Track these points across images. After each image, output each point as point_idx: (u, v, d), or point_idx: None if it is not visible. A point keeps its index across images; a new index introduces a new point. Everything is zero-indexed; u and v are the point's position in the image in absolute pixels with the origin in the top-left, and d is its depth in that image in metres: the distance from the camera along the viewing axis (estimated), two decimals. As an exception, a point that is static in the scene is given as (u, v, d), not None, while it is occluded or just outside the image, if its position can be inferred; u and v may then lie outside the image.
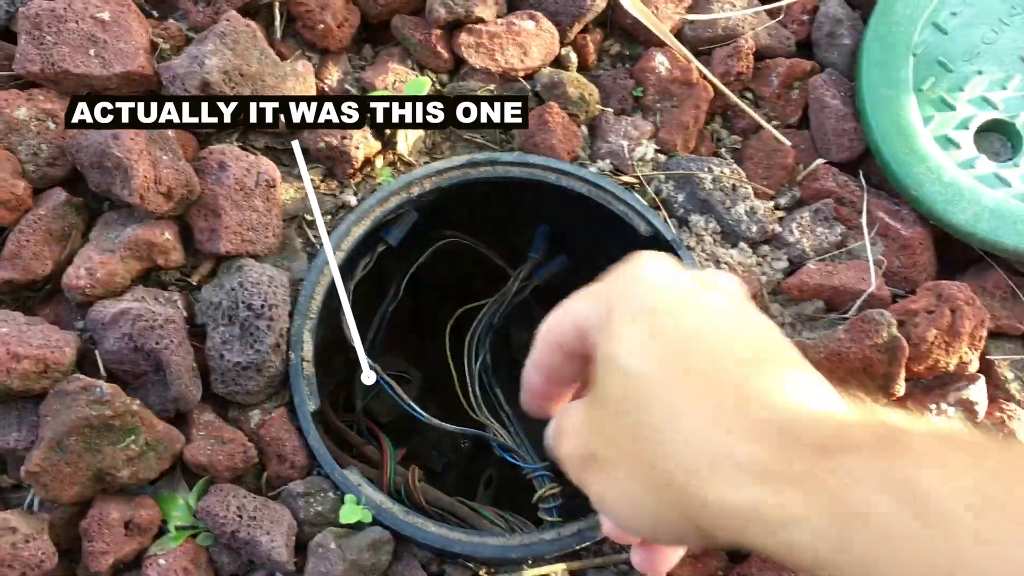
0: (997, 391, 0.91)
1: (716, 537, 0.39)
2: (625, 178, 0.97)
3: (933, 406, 0.86)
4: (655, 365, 0.40)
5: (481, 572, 0.83)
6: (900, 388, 0.86)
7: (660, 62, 1.00)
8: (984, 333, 0.87)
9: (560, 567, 0.83)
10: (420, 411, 0.96)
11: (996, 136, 0.99)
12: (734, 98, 1.01)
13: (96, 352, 0.81)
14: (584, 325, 0.45)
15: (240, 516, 0.79)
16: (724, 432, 0.37)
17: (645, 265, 0.45)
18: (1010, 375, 0.91)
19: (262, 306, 0.83)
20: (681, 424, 0.39)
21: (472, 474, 1.35)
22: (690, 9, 1.03)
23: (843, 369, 0.85)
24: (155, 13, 0.96)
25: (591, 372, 0.45)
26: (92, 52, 0.87)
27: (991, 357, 0.91)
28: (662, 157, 0.99)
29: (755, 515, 0.36)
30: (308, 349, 0.87)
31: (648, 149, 0.97)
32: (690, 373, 0.39)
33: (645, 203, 0.95)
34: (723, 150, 1.02)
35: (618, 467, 0.43)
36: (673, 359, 0.40)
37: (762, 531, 0.36)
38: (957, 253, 0.97)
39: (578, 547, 0.83)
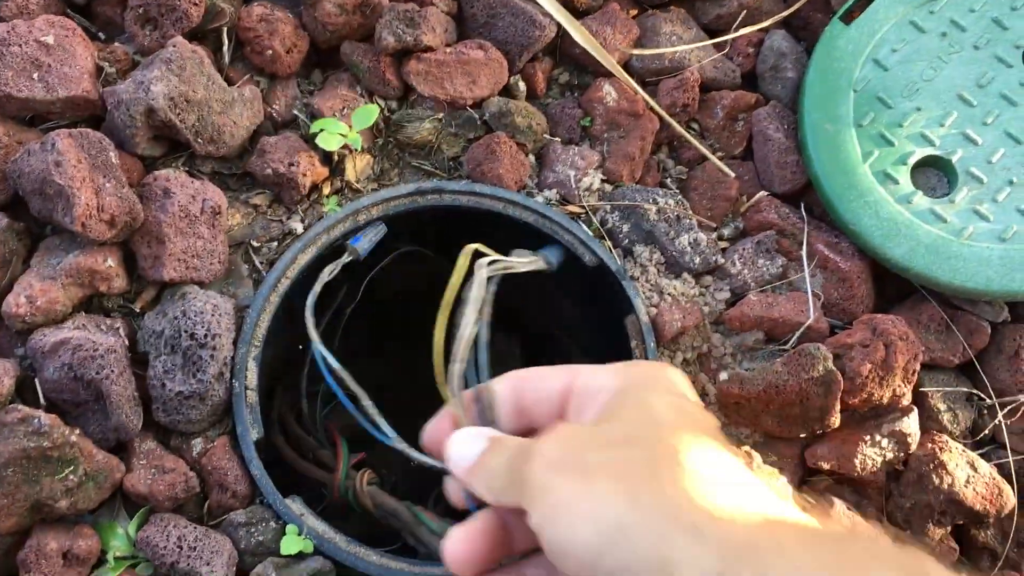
0: (930, 422, 0.93)
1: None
2: (571, 208, 0.98)
3: (868, 437, 0.88)
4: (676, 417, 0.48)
5: (422, 601, 0.83)
6: (835, 420, 0.88)
7: (608, 92, 1.01)
8: (917, 367, 0.90)
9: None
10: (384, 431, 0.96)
11: (933, 172, 1.01)
12: (679, 129, 1.02)
13: (36, 380, 0.81)
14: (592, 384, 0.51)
15: (180, 547, 0.79)
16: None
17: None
18: (943, 406, 0.94)
19: (205, 335, 0.83)
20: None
21: (424, 493, 1.35)
22: (638, 41, 1.05)
23: (780, 401, 0.87)
24: (101, 35, 0.95)
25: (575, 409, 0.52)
26: (36, 76, 0.86)
27: (924, 389, 0.94)
28: (608, 187, 1.00)
29: None
30: (252, 377, 0.87)
31: (595, 179, 0.99)
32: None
33: (591, 233, 0.97)
34: (669, 180, 1.03)
35: (607, 479, 0.46)
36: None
37: None
38: (895, 285, 1.00)
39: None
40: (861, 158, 0.99)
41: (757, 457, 0.87)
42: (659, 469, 0.45)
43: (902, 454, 0.89)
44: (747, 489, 0.45)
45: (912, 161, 1.00)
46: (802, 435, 0.89)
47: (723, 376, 0.91)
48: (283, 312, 0.91)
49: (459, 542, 0.51)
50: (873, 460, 0.88)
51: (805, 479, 0.91)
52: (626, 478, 0.45)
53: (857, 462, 0.88)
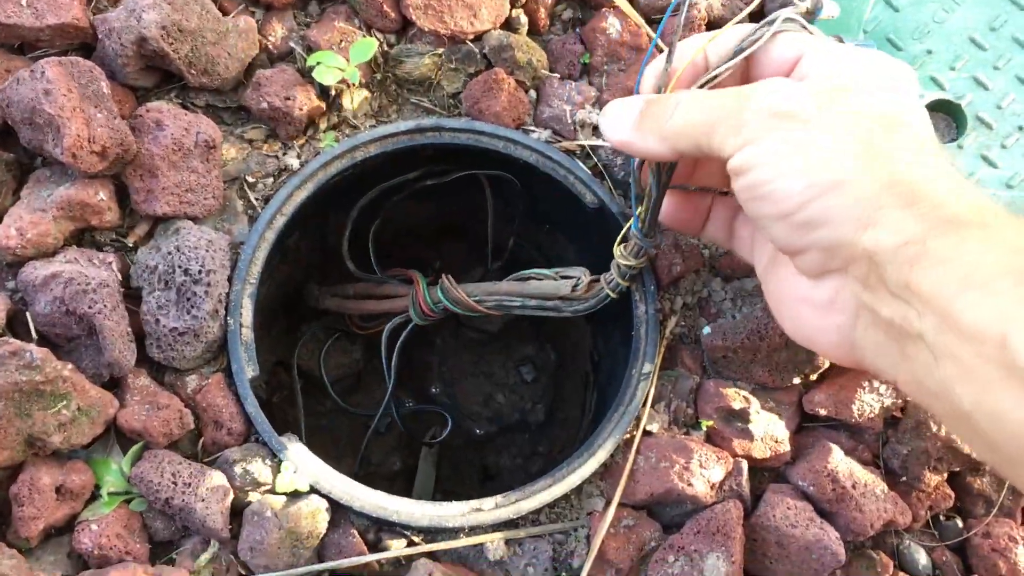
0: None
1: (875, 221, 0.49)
2: (567, 144, 0.96)
3: (866, 384, 0.87)
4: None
5: (417, 540, 0.83)
6: (825, 361, 0.87)
7: (611, 24, 0.98)
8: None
9: (497, 536, 0.83)
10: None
11: (941, 117, 0.99)
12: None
13: (28, 314, 0.80)
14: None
15: (175, 483, 0.79)
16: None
17: None
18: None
19: (199, 271, 0.82)
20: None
21: (414, 436, 1.36)
22: (644, -24, 1.02)
23: (766, 347, 0.85)
24: (92, -40, 0.92)
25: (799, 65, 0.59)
26: (24, 2, 0.84)
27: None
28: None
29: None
30: (247, 315, 0.86)
31: (591, 114, 0.96)
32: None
33: (589, 172, 0.95)
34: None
35: (832, 135, 0.50)
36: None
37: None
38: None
39: (515, 516, 0.84)
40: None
41: (755, 402, 0.87)
42: (882, 140, 0.49)
43: (900, 401, 0.89)
44: (959, 178, 0.49)
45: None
46: (796, 381, 0.88)
47: (705, 331, 0.90)
48: (278, 249, 0.90)
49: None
50: (871, 407, 0.87)
51: (802, 425, 0.90)
52: (850, 140, 0.50)
53: (855, 408, 0.87)
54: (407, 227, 1.24)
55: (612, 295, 0.86)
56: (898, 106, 0.52)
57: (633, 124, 0.62)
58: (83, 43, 0.87)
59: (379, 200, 1.05)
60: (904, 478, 0.88)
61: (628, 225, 0.80)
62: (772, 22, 0.64)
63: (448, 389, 1.35)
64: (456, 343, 1.37)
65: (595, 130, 0.96)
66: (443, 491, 1.35)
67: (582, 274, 0.88)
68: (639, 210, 0.76)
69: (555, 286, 0.89)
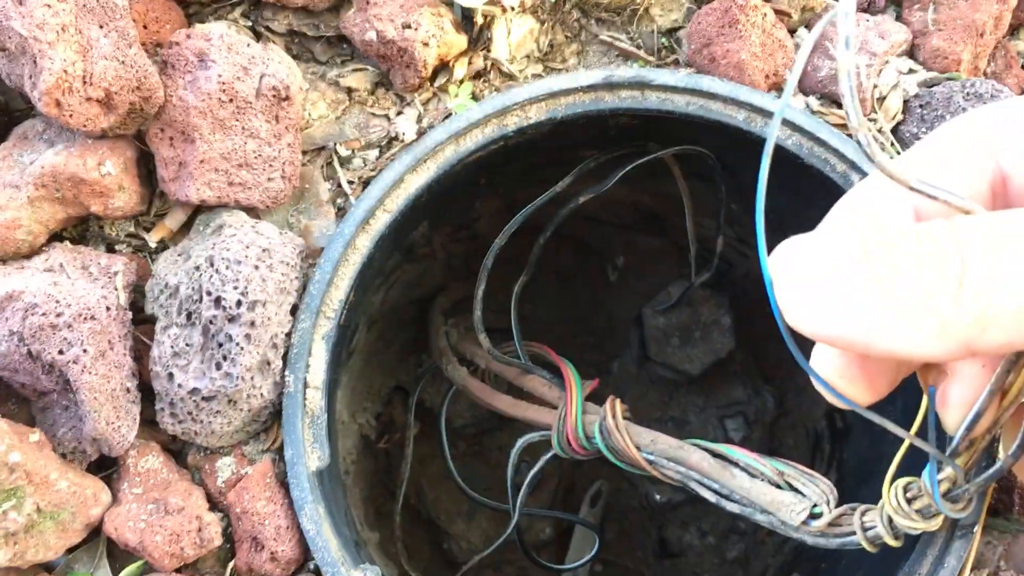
0: None
1: None
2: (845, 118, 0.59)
3: None
4: None
5: None
6: None
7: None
8: None
9: None
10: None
11: None
12: None
13: (-19, 348, 0.51)
14: None
15: (180, 639, 0.49)
16: None
17: None
18: None
19: (239, 303, 0.50)
20: None
21: (576, 487, 1.03)
22: None
23: None
24: None
25: None
26: None
27: None
28: (925, 79, 0.60)
29: None
30: (317, 370, 0.54)
31: (899, 75, 0.59)
32: None
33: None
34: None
35: None
36: None
37: None
38: None
39: None
40: None
41: None
42: None
43: None
44: None
45: None
46: None
47: None
48: (380, 253, 0.58)
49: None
50: None
51: None
52: None
53: None
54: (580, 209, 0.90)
55: (869, 548, 0.48)
56: None
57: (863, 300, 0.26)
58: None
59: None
60: None
61: (923, 474, 0.41)
62: None
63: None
64: (639, 373, 1.01)
65: (905, 104, 0.58)
66: (603, 561, 1.03)
67: (824, 497, 0.51)
68: (947, 471, 0.38)
69: (775, 499, 0.52)
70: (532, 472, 0.70)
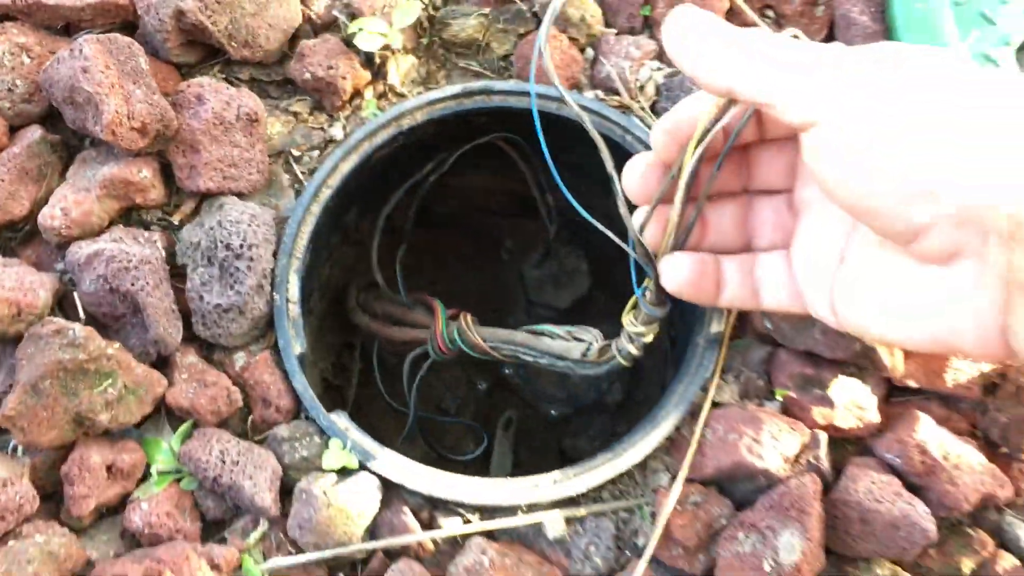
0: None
1: None
2: (624, 101, 0.90)
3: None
4: None
5: (473, 519, 0.79)
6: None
7: (673, -27, 0.93)
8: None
9: (556, 514, 0.79)
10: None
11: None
12: (752, 15, 0.92)
13: (75, 294, 0.79)
14: None
15: (223, 461, 0.77)
16: None
17: None
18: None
19: (241, 245, 0.80)
20: None
21: (490, 417, 1.32)
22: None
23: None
24: (133, -61, 0.92)
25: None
26: (64, -18, 0.83)
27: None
28: (664, 78, 0.92)
29: None
30: (293, 290, 0.84)
31: (651, 71, 0.91)
32: None
33: (647, 130, 0.89)
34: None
35: (914, 127, 0.45)
36: None
37: None
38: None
39: (576, 493, 0.79)
40: (958, 39, 0.88)
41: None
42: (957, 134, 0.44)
43: (999, 365, 0.80)
44: None
45: (1016, 42, 0.89)
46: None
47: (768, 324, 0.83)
48: (326, 222, 0.88)
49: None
50: (966, 374, 0.79)
51: (890, 398, 0.83)
52: (932, 129, 0.45)
53: (948, 377, 0.79)
54: (475, 204, 1.21)
55: (624, 363, 0.80)
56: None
57: (708, 58, 0.54)
58: (125, 21, 0.87)
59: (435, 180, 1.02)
60: (1005, 449, 0.80)
61: (634, 297, 0.72)
62: None
63: (520, 370, 1.31)
64: (528, 321, 1.32)
65: (657, 89, 0.90)
66: (521, 475, 1.31)
67: (594, 339, 0.83)
68: (646, 281, 0.68)
69: (566, 347, 0.85)
70: (419, 374, 1.02)
